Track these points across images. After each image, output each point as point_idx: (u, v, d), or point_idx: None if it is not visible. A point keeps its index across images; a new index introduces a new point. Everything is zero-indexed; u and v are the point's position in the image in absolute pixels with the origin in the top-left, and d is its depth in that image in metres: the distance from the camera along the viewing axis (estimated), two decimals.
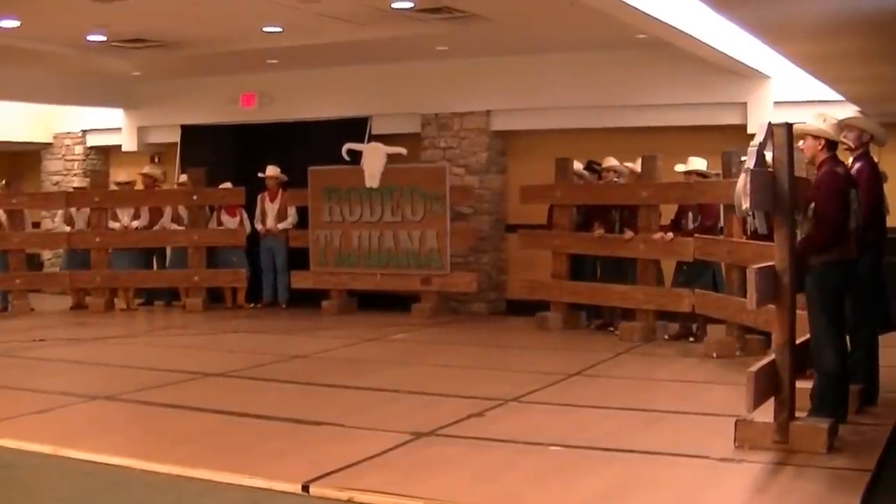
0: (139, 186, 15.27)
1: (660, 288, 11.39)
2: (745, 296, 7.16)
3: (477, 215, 14.00)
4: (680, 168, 11.32)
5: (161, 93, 16.04)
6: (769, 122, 6.53)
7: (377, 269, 13.68)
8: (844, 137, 7.12)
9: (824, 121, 6.81)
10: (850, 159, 7.55)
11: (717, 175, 10.95)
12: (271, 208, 14.44)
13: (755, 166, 6.22)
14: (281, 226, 14.38)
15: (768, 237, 6.90)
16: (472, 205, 13.89)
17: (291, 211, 14.40)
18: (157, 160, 16.66)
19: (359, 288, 14.00)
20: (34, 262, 16.55)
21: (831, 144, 6.80)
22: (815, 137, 6.76)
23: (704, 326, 10.94)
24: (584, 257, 12.25)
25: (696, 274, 11.01)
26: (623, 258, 11.64)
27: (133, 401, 8.15)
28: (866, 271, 7.14)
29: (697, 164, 11.16)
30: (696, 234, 10.78)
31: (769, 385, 6.30)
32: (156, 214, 14.90)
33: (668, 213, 11.57)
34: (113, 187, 15.31)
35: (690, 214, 11.21)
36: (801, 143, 6.80)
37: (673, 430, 7.14)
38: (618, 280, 11.77)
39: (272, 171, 14.37)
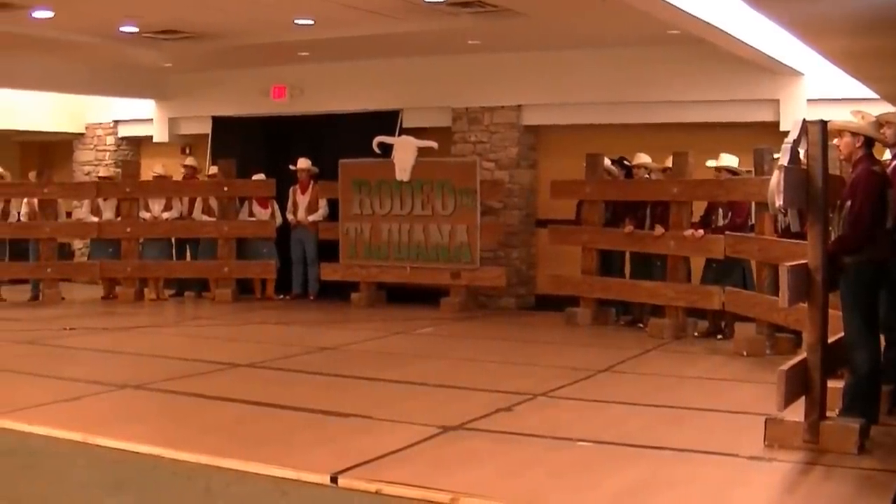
0: (178, 178, 15.27)
1: (690, 285, 11.34)
2: (776, 294, 7.11)
3: (507, 210, 13.99)
4: (711, 164, 11.27)
5: (192, 84, 16.12)
6: (803, 119, 6.46)
7: (406, 262, 13.68)
8: (882, 133, 7.02)
9: (862, 118, 6.73)
10: (888, 156, 7.47)
11: (748, 172, 10.87)
12: (302, 200, 14.49)
13: (789, 163, 6.17)
14: (311, 218, 14.42)
15: (800, 235, 6.85)
16: (501, 199, 13.87)
17: (322, 203, 14.43)
18: (188, 151, 16.74)
19: (388, 281, 14.02)
20: (65, 252, 16.65)
21: (869, 142, 6.71)
22: (854, 135, 6.65)
23: (732, 324, 10.92)
24: (612, 253, 12.23)
25: (725, 271, 10.97)
26: (652, 255, 11.61)
27: (162, 390, 8.20)
28: None
29: (728, 160, 11.10)
30: (727, 232, 10.73)
31: (800, 384, 6.25)
32: (189, 205, 14.98)
33: (697, 209, 11.53)
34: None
35: (721, 211, 11.16)
36: (837, 139, 6.72)
37: (701, 427, 7.11)
38: (646, 276, 11.73)
39: (303, 163, 14.41)
